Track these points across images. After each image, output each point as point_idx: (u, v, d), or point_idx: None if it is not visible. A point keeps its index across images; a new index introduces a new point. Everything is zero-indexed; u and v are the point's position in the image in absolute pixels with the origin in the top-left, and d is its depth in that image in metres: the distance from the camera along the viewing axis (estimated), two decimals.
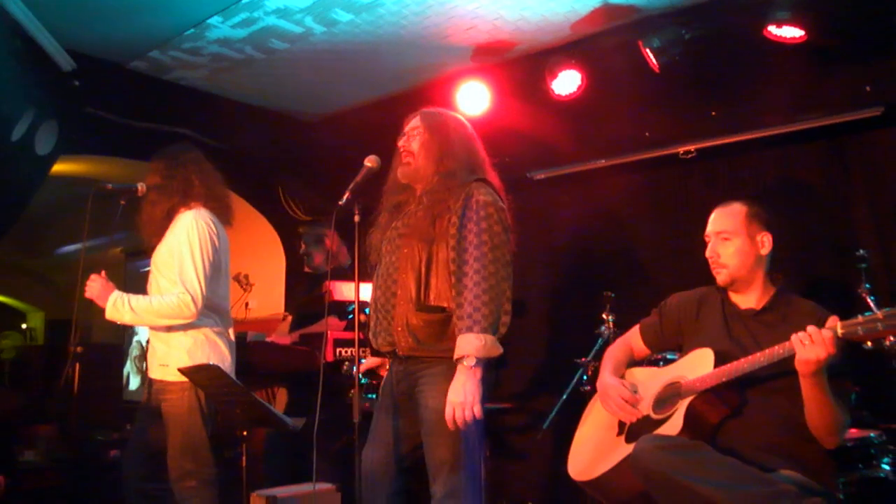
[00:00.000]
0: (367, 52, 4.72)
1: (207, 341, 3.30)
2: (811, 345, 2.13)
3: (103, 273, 3.26)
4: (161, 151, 3.49)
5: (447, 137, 2.67)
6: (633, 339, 2.90)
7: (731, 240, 2.57)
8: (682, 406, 2.40)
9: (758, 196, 4.15)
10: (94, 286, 3.20)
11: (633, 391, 2.66)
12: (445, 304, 2.54)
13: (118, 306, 3.18)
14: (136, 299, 3.23)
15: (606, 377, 2.76)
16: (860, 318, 2.10)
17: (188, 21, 4.35)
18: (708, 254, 2.63)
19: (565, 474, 2.76)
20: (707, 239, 2.66)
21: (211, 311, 3.31)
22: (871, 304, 3.18)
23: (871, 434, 2.92)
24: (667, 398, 2.52)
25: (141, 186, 3.40)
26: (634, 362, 2.90)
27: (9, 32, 3.74)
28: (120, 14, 4.24)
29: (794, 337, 2.17)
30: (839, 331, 2.13)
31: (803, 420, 2.30)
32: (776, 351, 2.24)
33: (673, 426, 2.38)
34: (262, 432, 4.65)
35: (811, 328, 2.15)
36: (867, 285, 3.22)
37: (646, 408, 2.59)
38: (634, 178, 4.82)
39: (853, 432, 2.89)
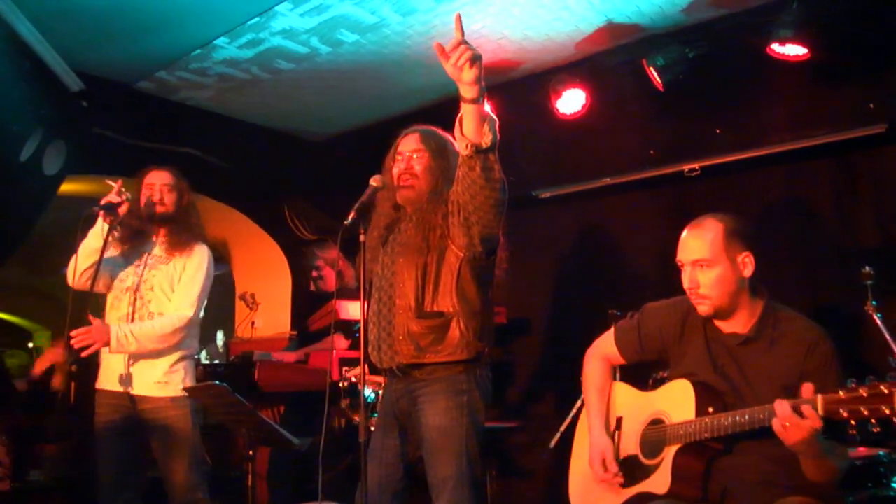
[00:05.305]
0: (372, 72, 4.75)
1: (193, 361, 3.45)
2: (792, 428, 1.95)
3: (89, 316, 3.21)
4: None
5: (449, 162, 2.65)
6: (609, 349, 2.69)
7: (712, 268, 2.29)
8: (669, 455, 2.29)
9: (762, 213, 4.19)
10: (85, 337, 3.12)
11: (618, 428, 2.54)
12: (444, 309, 2.57)
13: (122, 340, 3.18)
14: (137, 327, 3.23)
15: (597, 435, 2.55)
16: (842, 395, 1.91)
17: (195, 42, 4.38)
18: (686, 285, 2.35)
19: None
20: (680, 265, 2.38)
21: (193, 334, 3.46)
22: (878, 322, 3.16)
23: (881, 452, 2.88)
24: (653, 442, 2.41)
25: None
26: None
27: (18, 53, 3.77)
28: (127, 35, 4.28)
29: (774, 422, 1.99)
30: (820, 411, 1.94)
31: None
32: (757, 417, 2.09)
33: (662, 480, 2.28)
34: (268, 452, 4.64)
35: (787, 412, 1.96)
36: (874, 302, 3.20)
37: (632, 446, 2.48)
38: (639, 196, 4.82)
39: (862, 451, 2.86)
